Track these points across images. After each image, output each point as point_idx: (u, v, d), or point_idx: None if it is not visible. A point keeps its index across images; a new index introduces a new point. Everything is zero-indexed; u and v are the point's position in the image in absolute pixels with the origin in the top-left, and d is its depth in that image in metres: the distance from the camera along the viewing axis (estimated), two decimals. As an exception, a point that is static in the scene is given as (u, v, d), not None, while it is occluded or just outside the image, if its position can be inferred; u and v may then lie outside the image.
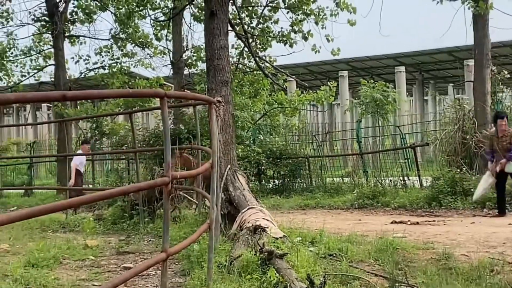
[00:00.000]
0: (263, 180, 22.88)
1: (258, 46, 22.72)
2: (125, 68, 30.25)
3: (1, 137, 54.66)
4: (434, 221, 14.13)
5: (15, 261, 10.48)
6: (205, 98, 8.99)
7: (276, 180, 23.01)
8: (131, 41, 29.75)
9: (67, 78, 28.88)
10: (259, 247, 8.26)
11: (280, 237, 9.19)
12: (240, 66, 24.35)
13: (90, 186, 27.44)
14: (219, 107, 12.00)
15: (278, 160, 22.53)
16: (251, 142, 23.41)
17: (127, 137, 24.97)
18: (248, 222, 9.85)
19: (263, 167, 22.65)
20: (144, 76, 32.51)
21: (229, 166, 12.11)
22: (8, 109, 63.03)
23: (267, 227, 9.26)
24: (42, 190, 28.22)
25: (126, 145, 24.72)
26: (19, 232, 13.85)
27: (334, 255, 9.40)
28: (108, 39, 30.11)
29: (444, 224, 13.53)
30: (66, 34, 29.04)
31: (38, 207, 4.82)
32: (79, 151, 21.62)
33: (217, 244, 9.64)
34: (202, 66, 27.13)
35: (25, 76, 31.02)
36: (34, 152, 32.58)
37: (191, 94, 8.98)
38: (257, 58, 18.30)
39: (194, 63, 27.50)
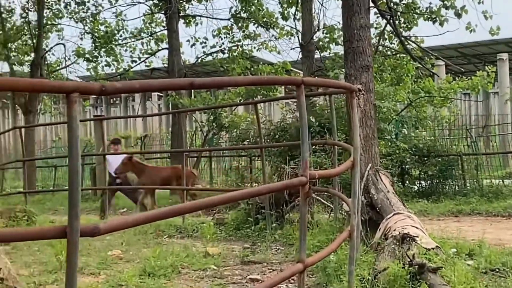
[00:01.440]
0: (408, 182, 22.60)
1: (402, 24, 22.48)
2: (247, 51, 30.56)
3: (108, 130, 56.28)
4: None
5: (129, 269, 10.84)
6: (346, 86, 9.01)
7: (422, 182, 22.65)
8: (254, 21, 30.04)
9: (182, 63, 29.43)
10: (409, 259, 8.21)
11: (433, 248, 9.08)
12: (381, 48, 24.16)
13: (208, 186, 27.96)
14: (359, 96, 11.97)
15: (425, 158, 22.18)
16: (393, 136, 23.13)
17: (249, 130, 25.23)
18: (394, 230, 9.79)
19: (407, 166, 22.41)
20: (268, 61, 32.79)
21: (370, 164, 12.09)
22: (115, 99, 64.78)
23: (417, 236, 9.18)
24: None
25: (248, 140, 25.00)
26: (131, 237, 14.24)
27: (497, 270, 9.22)
28: (228, 19, 30.54)
29: None
30: (181, 14, 29.62)
31: (157, 211, 4.98)
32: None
33: (358, 255, 9.64)
34: (335, 49, 27.11)
35: (135, 61, 31.90)
36: (145, 147, 33.37)
37: (331, 81, 9.01)
38: (402, 39, 18.10)
39: (326, 45, 27.44)
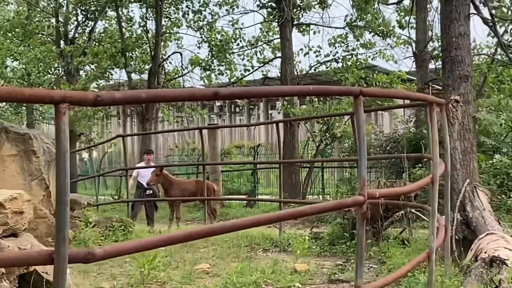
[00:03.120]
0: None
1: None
2: (362, 61, 29.97)
3: (233, 138, 56.32)
4: None
5: (211, 284, 10.50)
6: (422, 97, 8.37)
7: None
8: (370, 30, 29.46)
9: (295, 72, 29.05)
10: (495, 285, 7.59)
11: (527, 273, 8.39)
12: (499, 57, 23.20)
13: (320, 197, 27.44)
14: (456, 107, 11.35)
15: (547, 173, 20.98)
16: (510, 150, 21.97)
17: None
18: (485, 252, 9.10)
19: (525, 181, 21.29)
20: (385, 69, 32.07)
21: (468, 180, 11.38)
22: (240, 108, 64.72)
23: (508, 259, 8.48)
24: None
25: (359, 151, 24.38)
26: (224, 250, 13.94)
27: None
28: (343, 27, 30.05)
29: None
30: (295, 23, 29.29)
31: (235, 221, 4.59)
32: (142, 163, 21.46)
33: (446, 278, 9.04)
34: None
35: (248, 70, 31.73)
36: (258, 157, 33.17)
37: (401, 92, 8.27)
38: (504, 47, 17.13)
39: (440, 54, 26.57)
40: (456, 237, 10.52)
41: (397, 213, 13.48)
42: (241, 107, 64.37)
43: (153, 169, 20.38)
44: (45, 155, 15.70)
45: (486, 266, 8.41)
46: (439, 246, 9.09)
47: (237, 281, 10.26)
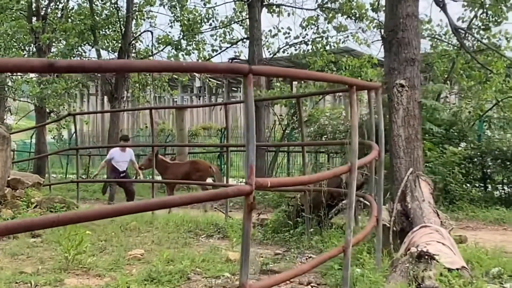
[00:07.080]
0: (490, 187, 20.99)
1: (491, 18, 21.03)
2: (333, 44, 29.46)
3: (213, 119, 56.00)
4: None
5: (137, 271, 10.01)
6: (336, 79, 7.81)
7: (506, 187, 20.95)
8: (342, 12, 28.88)
9: (264, 55, 28.52)
10: (417, 282, 7.14)
11: (458, 269, 7.91)
12: (471, 43, 22.79)
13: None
14: (401, 92, 10.90)
15: (509, 163, 20.51)
16: (476, 138, 21.49)
17: (327, 126, 24.22)
18: (417, 246, 8.58)
19: (489, 171, 20.87)
20: (364, 54, 31.58)
21: (411, 169, 10.90)
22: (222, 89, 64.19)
23: (437, 254, 7.98)
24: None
25: (325, 136, 23.96)
26: (165, 235, 13.43)
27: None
28: (314, 9, 29.49)
29: None
30: (265, 3, 28.69)
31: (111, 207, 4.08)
32: (117, 149, 21.06)
33: (373, 272, 8.56)
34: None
35: (216, 50, 31.20)
36: (225, 139, 32.83)
37: (301, 72, 7.41)
38: (458, 31, 16.63)
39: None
40: (394, 228, 10.05)
41: (344, 201, 12.96)
42: (222, 88, 63.84)
43: (128, 156, 20.55)
44: (-16, 131, 15.14)
45: (413, 262, 7.91)
46: (362, 239, 8.63)
47: (162, 269, 9.73)
